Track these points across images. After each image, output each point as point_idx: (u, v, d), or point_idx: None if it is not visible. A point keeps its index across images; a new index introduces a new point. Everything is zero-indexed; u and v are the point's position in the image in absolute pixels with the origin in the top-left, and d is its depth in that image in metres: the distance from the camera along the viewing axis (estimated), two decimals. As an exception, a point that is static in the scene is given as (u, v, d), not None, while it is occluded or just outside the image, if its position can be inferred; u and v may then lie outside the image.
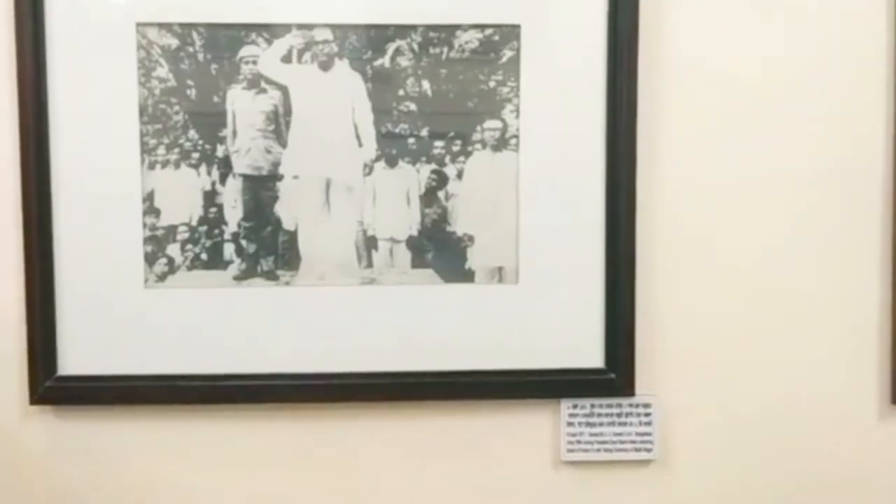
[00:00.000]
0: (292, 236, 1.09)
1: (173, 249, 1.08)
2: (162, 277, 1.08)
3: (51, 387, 1.07)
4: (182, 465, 1.12)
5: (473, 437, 1.14)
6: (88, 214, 1.07)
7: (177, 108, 1.07)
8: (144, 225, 1.08)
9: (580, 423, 1.13)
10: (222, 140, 1.08)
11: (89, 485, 1.11)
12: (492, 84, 1.09)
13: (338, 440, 1.13)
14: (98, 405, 1.09)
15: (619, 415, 1.14)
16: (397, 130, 1.09)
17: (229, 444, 1.12)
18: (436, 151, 1.10)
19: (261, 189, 1.09)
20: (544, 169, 1.10)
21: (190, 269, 1.08)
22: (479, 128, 1.10)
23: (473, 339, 1.11)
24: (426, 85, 1.09)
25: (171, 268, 1.08)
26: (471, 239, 1.11)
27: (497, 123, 1.10)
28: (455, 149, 1.10)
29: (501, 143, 1.10)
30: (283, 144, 1.08)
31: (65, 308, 1.07)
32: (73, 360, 1.08)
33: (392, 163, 1.09)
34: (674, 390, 1.15)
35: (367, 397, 1.11)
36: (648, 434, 1.14)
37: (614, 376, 1.12)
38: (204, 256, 1.09)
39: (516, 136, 1.10)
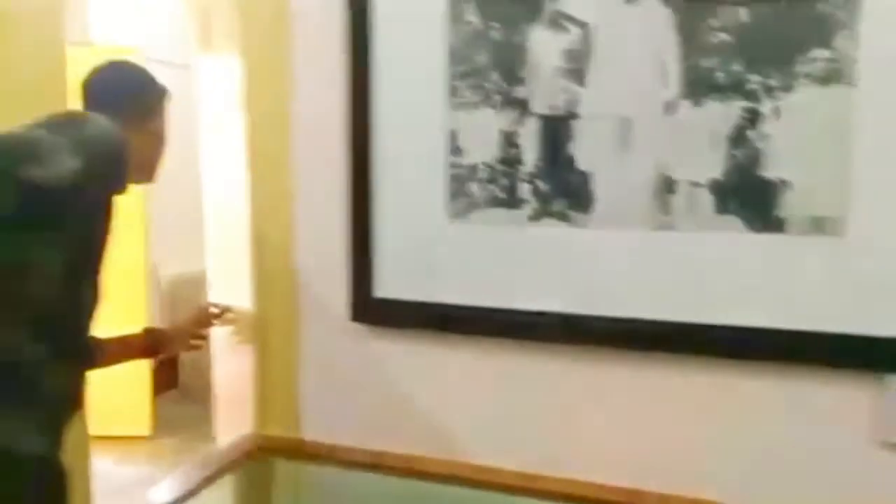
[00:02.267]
0: (586, 177, 1.08)
1: (475, 187, 1.14)
2: (463, 213, 1.15)
3: (369, 307, 1.22)
4: (475, 395, 1.20)
5: (772, 404, 1.05)
6: (402, 152, 1.18)
7: (482, 50, 1.11)
8: (449, 163, 1.15)
9: (909, 403, 0.98)
10: (522, 81, 1.10)
11: (390, 396, 1.25)
12: (822, 7, 0.95)
13: (619, 386, 1.12)
14: (405, 327, 1.22)
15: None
16: (707, 65, 1.00)
17: (510, 376, 1.18)
18: (750, 87, 0.99)
19: (557, 129, 1.09)
20: (888, 106, 0.94)
21: (489, 206, 1.14)
22: (802, 58, 0.97)
23: (781, 296, 1.01)
24: (742, 13, 0.98)
25: (473, 204, 1.15)
26: (786, 184, 0.99)
27: (825, 53, 0.96)
28: (772, 83, 0.98)
29: (832, 77, 0.96)
30: (582, 84, 1.07)
31: (381, 237, 1.20)
32: (387, 284, 1.21)
33: (698, 100, 1.02)
34: None
35: (648, 346, 1.08)
36: None
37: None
38: (501, 195, 1.13)
39: (852, 68, 0.95)
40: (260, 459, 1.16)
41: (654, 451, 1.11)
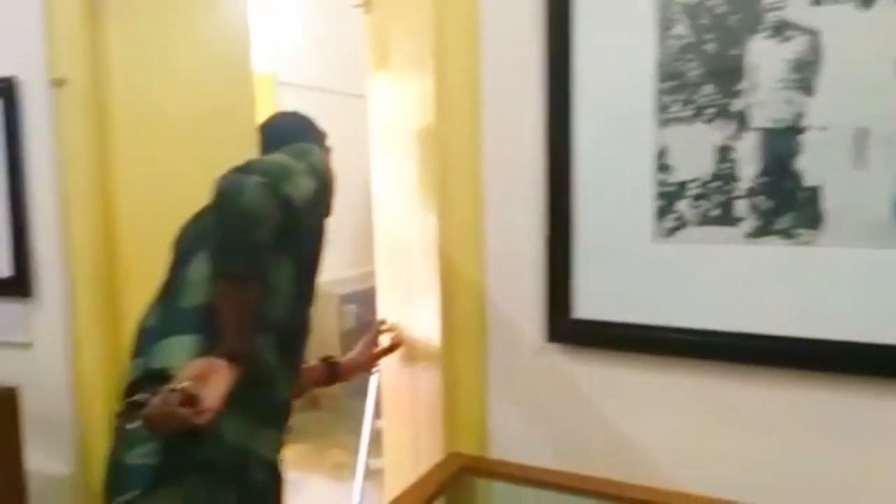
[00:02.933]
0: (815, 192, 1.02)
1: (683, 205, 1.10)
2: (670, 232, 1.12)
3: (566, 327, 1.20)
4: (674, 419, 1.15)
5: None
6: (603, 170, 1.16)
7: (693, 63, 1.08)
8: (656, 181, 1.12)
9: None
10: (739, 94, 1.05)
11: (583, 417, 1.22)
12: None
13: (842, 416, 1.04)
14: (605, 348, 1.19)
15: None
16: (962, 68, 0.93)
17: (721, 401, 1.12)
18: None
19: (780, 142, 1.03)
20: None
21: (700, 224, 1.09)
22: None
23: None
24: None
25: (681, 223, 1.11)
26: None
27: None
28: None
29: None
30: (810, 93, 1.01)
31: (580, 256, 1.18)
32: (586, 305, 1.18)
33: (950, 107, 0.94)
34: None
35: (881, 372, 1.00)
36: None
37: None
38: (715, 212, 1.08)
39: None
40: (463, 480, 1.15)
41: (876, 486, 1.03)
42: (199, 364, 0.97)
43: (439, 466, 1.18)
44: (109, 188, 1.58)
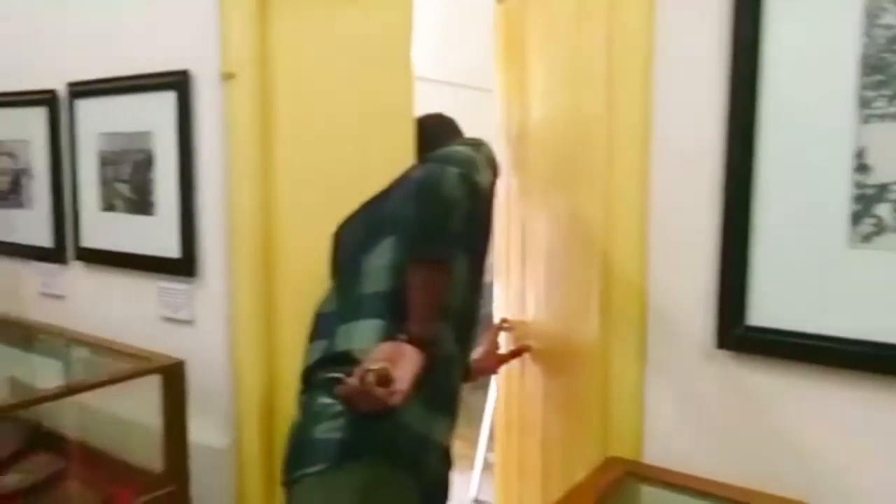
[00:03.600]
0: None
1: (884, 209, 1.02)
2: (867, 238, 1.03)
3: (739, 334, 1.14)
4: (861, 440, 1.07)
5: None
6: (792, 168, 1.09)
7: (903, 55, 0.99)
8: (852, 182, 1.04)
9: None
10: (958, 88, 0.96)
11: (756, 430, 1.15)
12: None
13: None
14: (782, 358, 1.12)
15: None
16: None
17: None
18: None
19: None
20: None
21: (903, 230, 1.01)
22: None
23: None
24: None
25: (879, 228, 1.02)
26: None
27: None
28: None
29: None
30: None
31: (759, 260, 1.12)
32: (764, 311, 1.12)
33: None
34: None
35: None
36: None
37: None
38: (922, 218, 0.99)
39: None
40: (625, 485, 1.12)
41: None
42: (388, 347, 0.99)
43: (600, 470, 1.15)
44: (270, 178, 1.65)
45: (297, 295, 1.62)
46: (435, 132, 1.55)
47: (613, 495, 1.07)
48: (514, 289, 1.66)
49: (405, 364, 0.97)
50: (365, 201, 1.31)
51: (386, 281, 1.11)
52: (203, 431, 1.73)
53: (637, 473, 1.16)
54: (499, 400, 1.79)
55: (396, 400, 0.94)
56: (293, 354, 1.42)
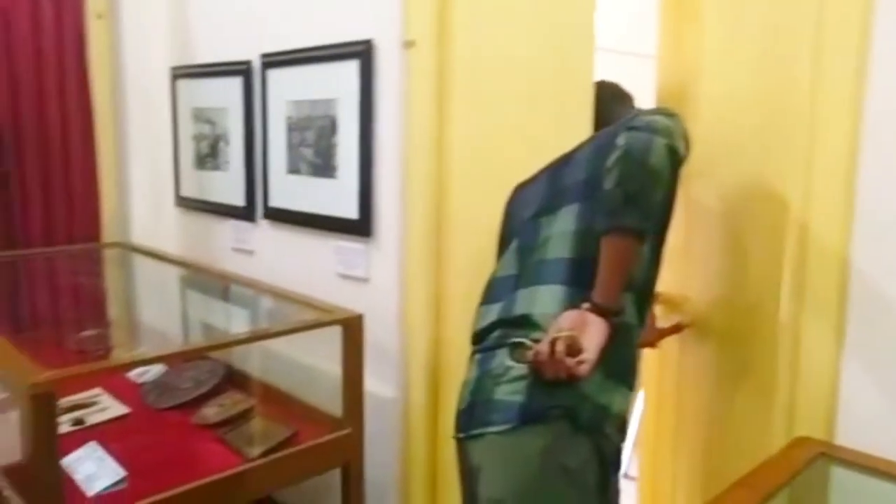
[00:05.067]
0: None
1: None
2: None
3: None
4: None
5: None
6: None
7: None
8: None
9: None
10: None
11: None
12: None
13: None
14: None
15: None
16: None
17: None
18: None
19: None
20: None
21: None
22: None
23: None
24: None
25: None
26: None
27: None
28: None
29: None
30: None
31: None
32: None
33: None
34: None
35: None
36: None
37: None
38: None
39: None
40: (816, 467, 1.07)
41: None
42: (575, 315, 1.00)
43: (789, 449, 1.10)
44: (445, 143, 1.70)
45: (466, 258, 1.67)
46: (609, 100, 1.53)
47: (805, 474, 1.02)
48: (676, 262, 1.60)
49: (592, 334, 0.97)
50: (545, 166, 1.31)
51: (570, 247, 1.11)
52: (375, 382, 1.84)
53: (830, 455, 1.09)
54: (650, 375, 1.76)
55: (584, 370, 0.95)
56: (460, 315, 1.47)
